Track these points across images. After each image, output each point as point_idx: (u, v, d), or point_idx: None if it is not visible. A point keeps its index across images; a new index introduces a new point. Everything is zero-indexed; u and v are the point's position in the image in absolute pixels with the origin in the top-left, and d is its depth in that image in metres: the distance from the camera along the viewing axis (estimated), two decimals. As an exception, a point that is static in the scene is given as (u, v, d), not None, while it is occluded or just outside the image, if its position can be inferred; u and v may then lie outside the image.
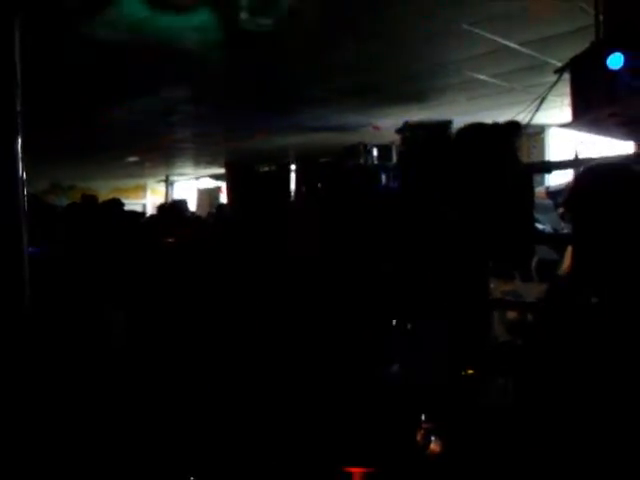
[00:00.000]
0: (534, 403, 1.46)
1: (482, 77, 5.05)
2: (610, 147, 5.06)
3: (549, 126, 7.03)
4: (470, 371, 2.51)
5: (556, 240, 4.09)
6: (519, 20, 3.72)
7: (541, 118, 5.29)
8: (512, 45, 4.19)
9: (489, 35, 3.97)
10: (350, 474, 1.74)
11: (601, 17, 3.46)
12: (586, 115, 3.32)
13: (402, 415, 1.99)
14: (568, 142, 6.42)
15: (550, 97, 5.45)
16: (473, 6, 3.50)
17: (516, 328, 4.55)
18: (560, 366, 1.45)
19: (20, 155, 2.39)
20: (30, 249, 2.94)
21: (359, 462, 1.76)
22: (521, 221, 3.19)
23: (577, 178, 1.53)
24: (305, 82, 5.46)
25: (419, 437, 1.85)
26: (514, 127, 3.14)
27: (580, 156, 3.77)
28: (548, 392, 1.46)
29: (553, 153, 7.28)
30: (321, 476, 1.78)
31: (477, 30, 3.86)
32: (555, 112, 4.74)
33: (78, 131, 7.10)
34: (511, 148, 3.13)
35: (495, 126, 3.25)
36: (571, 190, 1.50)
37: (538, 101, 5.05)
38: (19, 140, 2.39)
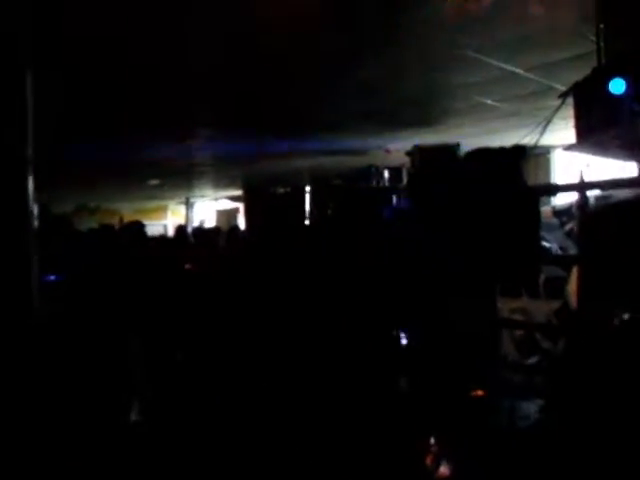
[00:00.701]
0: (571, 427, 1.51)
1: (489, 101, 5.19)
2: (613, 169, 5.17)
3: (554, 147, 7.14)
4: (479, 392, 2.58)
5: (562, 261, 4.17)
6: (523, 47, 3.85)
7: (547, 139, 5.40)
8: (517, 71, 4.33)
9: (494, 62, 4.12)
10: None
11: (602, 44, 3.58)
12: (589, 138, 3.43)
13: (412, 437, 2.07)
14: (573, 163, 6.54)
15: (555, 119, 5.58)
16: (477, 34, 3.64)
17: (525, 346, 4.60)
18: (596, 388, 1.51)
19: (31, 194, 2.68)
20: (52, 277, 3.11)
21: None
22: (528, 242, 3.28)
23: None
24: (320, 108, 5.62)
25: (428, 460, 1.91)
26: (520, 151, 3.26)
27: (585, 179, 3.86)
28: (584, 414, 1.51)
29: (559, 173, 7.39)
30: None
31: (483, 57, 4.01)
32: (560, 134, 4.84)
33: (104, 157, 7.39)
34: (517, 171, 3.25)
35: (502, 150, 3.38)
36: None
37: (544, 124, 5.19)
38: (30, 181, 2.68)
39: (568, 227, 5.82)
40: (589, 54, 3.73)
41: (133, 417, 2.79)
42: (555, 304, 5.79)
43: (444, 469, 1.85)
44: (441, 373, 2.70)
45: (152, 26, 3.43)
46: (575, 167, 6.50)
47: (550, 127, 5.39)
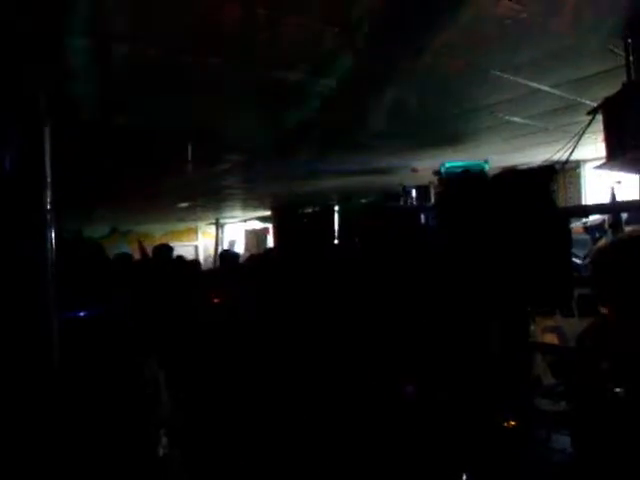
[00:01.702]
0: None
1: (516, 119, 5.13)
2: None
3: (585, 161, 7.03)
4: (512, 423, 2.51)
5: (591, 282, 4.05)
6: (548, 64, 3.81)
7: (576, 154, 5.32)
8: (543, 88, 4.28)
9: (519, 80, 4.07)
10: None
11: (631, 58, 3.52)
12: (620, 155, 3.36)
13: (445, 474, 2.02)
14: (604, 177, 6.42)
15: (585, 134, 5.49)
16: (498, 54, 3.61)
17: (560, 370, 4.48)
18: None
19: (51, 240, 2.96)
20: (82, 313, 3.18)
21: None
22: (560, 263, 3.21)
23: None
24: (348, 129, 5.65)
25: None
26: (550, 171, 3.20)
27: (616, 197, 3.78)
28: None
29: (589, 188, 7.26)
30: None
31: (506, 75, 3.97)
32: (590, 148, 4.77)
33: (136, 184, 7.59)
34: (547, 192, 3.19)
35: (531, 171, 3.32)
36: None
37: (573, 140, 5.11)
38: (52, 232, 2.98)
39: (600, 243, 5.70)
40: (617, 69, 3.68)
41: (162, 451, 2.80)
42: (589, 322, 5.64)
43: None
44: (472, 401, 2.64)
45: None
46: (606, 181, 6.39)
47: (580, 141, 5.32)
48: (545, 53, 3.66)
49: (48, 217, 2.93)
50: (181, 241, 11.58)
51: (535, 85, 4.19)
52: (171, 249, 5.25)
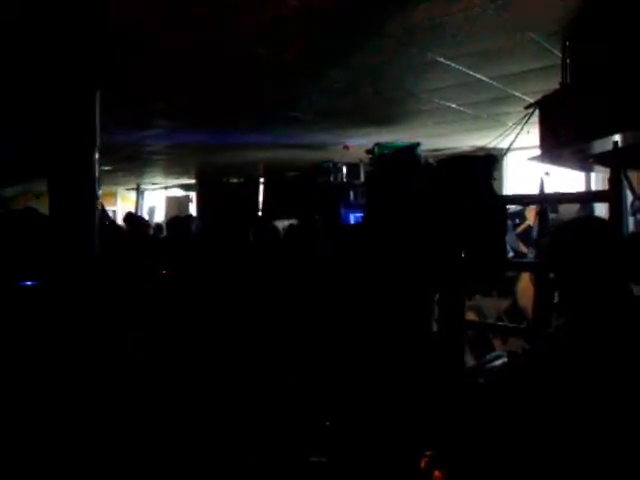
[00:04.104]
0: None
1: (452, 105, 5.33)
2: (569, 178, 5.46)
3: (509, 150, 7.43)
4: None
5: (527, 267, 4.36)
6: (493, 57, 3.98)
7: (501, 144, 5.64)
8: (484, 78, 4.47)
9: (465, 69, 4.23)
10: None
11: (567, 60, 3.75)
12: (554, 149, 3.60)
13: (406, 442, 2.14)
14: (523, 166, 6.86)
15: (509, 124, 5.81)
16: (455, 44, 3.73)
17: (477, 345, 4.81)
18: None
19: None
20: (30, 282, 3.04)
21: None
22: (496, 249, 3.41)
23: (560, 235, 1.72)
24: (284, 103, 5.61)
25: (423, 465, 1.98)
26: (493, 160, 3.37)
27: (545, 189, 4.08)
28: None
29: (510, 176, 7.70)
30: None
31: (455, 64, 4.11)
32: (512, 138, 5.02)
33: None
34: (489, 179, 3.36)
35: (475, 158, 3.49)
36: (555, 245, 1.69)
37: (504, 130, 5.39)
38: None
39: (520, 229, 6.11)
40: (553, 67, 3.91)
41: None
42: (505, 303, 6.08)
43: (438, 473, 1.92)
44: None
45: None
46: (525, 169, 6.83)
47: (504, 132, 5.62)
48: (486, 45, 3.82)
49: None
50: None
51: (477, 75, 4.37)
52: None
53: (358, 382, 3.00)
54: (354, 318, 3.52)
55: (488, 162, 3.36)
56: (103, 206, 6.30)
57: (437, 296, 3.55)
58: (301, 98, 5.37)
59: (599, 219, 1.84)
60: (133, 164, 9.02)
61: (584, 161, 4.04)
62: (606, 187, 3.18)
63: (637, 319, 1.58)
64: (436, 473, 1.93)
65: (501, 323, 5.30)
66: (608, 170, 4.97)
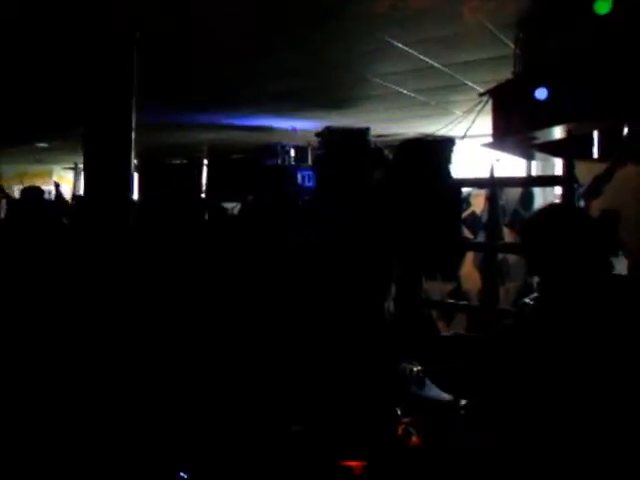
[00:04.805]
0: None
1: (403, 91, 5.42)
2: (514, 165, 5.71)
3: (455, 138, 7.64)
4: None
5: (479, 248, 4.53)
6: (448, 44, 4.08)
7: (446, 131, 5.79)
8: (437, 65, 4.56)
9: (420, 55, 4.30)
10: (349, 468, 1.90)
11: (518, 51, 3.90)
12: (506, 137, 3.75)
13: (383, 409, 2.21)
14: (470, 153, 7.07)
15: (456, 113, 5.97)
16: (412, 28, 3.79)
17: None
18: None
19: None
20: None
21: (354, 456, 1.93)
22: (451, 233, 3.53)
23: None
24: (233, 83, 5.52)
25: (400, 431, 2.07)
26: (451, 143, 3.47)
27: (495, 174, 4.24)
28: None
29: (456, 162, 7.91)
30: (320, 473, 1.93)
31: (410, 49, 4.18)
32: (460, 126, 5.18)
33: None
34: (447, 163, 3.46)
35: (435, 141, 3.57)
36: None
37: (451, 118, 5.53)
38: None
39: (465, 215, 6.32)
40: (505, 58, 4.05)
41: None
42: (449, 286, 6.29)
43: (415, 439, 2.01)
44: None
45: None
46: (472, 157, 7.04)
47: (448, 119, 5.78)
48: (449, 32, 3.91)
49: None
50: (33, 184, 10.50)
51: (430, 61, 4.46)
52: (42, 192, 4.78)
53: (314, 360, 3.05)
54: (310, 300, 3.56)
55: (448, 145, 3.45)
56: (58, 185, 5.99)
57: (395, 276, 3.62)
58: (250, 78, 5.31)
59: (574, 206, 1.96)
60: (70, 140, 8.60)
61: (531, 149, 4.24)
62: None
63: (601, 297, 1.71)
64: (413, 439, 2.02)
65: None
66: (547, 158, 5.25)
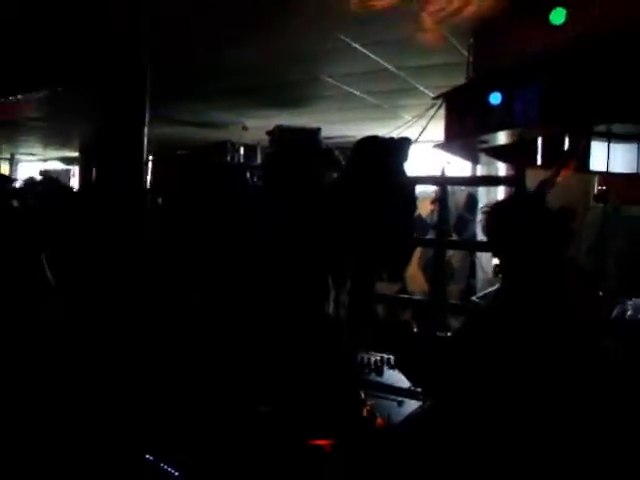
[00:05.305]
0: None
1: (356, 92, 5.47)
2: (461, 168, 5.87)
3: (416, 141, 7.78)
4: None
5: (431, 244, 4.63)
6: (403, 47, 4.14)
7: (396, 135, 5.87)
8: (390, 68, 4.63)
9: (373, 56, 4.35)
10: (318, 447, 1.91)
11: (471, 57, 4.02)
12: (458, 140, 3.85)
13: (346, 391, 2.24)
14: (415, 157, 7.18)
15: (406, 117, 6.07)
16: (368, 29, 3.83)
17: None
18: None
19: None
20: None
21: (324, 435, 1.94)
22: (403, 232, 3.58)
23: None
24: (182, 78, 5.41)
25: (365, 413, 2.10)
26: (408, 142, 3.51)
27: (446, 174, 4.38)
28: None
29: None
30: (289, 452, 1.92)
31: (366, 51, 4.22)
32: (411, 129, 5.27)
33: None
34: (402, 161, 3.50)
35: (392, 139, 3.61)
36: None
37: (402, 122, 5.62)
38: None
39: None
40: (458, 64, 4.16)
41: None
42: (395, 287, 6.38)
43: (380, 420, 2.05)
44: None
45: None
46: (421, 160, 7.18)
47: (398, 122, 5.87)
48: (396, 36, 3.96)
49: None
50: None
51: (384, 64, 4.51)
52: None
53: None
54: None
55: (404, 144, 3.48)
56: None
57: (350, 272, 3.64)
58: (200, 74, 5.22)
59: (532, 197, 2.04)
60: (7, 130, 8.21)
61: (478, 153, 4.38)
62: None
63: (555, 289, 1.78)
64: (378, 420, 2.06)
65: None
66: (491, 162, 5.43)
